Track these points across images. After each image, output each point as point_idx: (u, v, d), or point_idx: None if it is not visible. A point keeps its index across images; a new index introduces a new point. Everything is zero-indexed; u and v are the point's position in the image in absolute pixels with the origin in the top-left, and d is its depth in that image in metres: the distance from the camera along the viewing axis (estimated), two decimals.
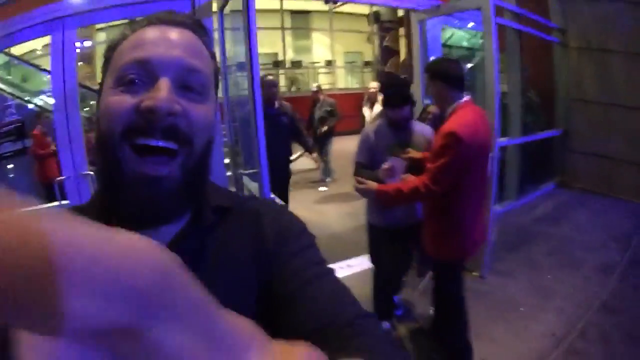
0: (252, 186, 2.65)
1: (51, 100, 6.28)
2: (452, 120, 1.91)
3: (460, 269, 2.14)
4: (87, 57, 8.79)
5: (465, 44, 4.27)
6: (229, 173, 3.21)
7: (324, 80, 12.72)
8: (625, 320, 2.82)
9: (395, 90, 2.24)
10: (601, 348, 2.56)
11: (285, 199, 3.66)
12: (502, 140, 4.10)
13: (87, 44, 8.83)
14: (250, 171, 2.41)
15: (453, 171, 1.86)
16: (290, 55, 13.32)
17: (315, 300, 0.49)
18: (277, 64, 12.52)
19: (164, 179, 0.47)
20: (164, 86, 0.47)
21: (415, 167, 2.12)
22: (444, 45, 4.02)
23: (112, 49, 0.53)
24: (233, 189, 2.71)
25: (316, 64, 13.05)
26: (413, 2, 3.76)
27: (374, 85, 5.73)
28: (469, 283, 3.05)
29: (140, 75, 0.48)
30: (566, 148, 6.12)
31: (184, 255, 0.34)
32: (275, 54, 12.86)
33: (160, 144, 0.46)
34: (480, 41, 3.94)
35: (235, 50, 3.02)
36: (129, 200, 0.48)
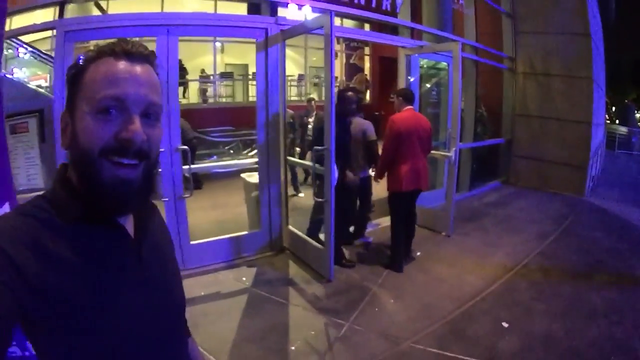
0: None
1: None
2: (395, 115, 3.65)
3: (399, 198, 3.65)
4: None
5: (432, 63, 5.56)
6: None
7: (294, 93, 13.19)
8: (559, 263, 3.93)
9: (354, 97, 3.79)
10: (540, 275, 3.66)
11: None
12: (460, 144, 5.20)
13: None
14: (320, 148, 3.31)
15: (394, 141, 3.54)
16: None
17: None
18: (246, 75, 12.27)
19: (133, 180, 0.64)
20: (136, 121, 0.62)
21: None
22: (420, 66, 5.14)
23: (78, 69, 0.64)
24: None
25: (289, 77, 13.36)
26: (404, 42, 4.94)
27: None
28: (441, 239, 4.48)
29: (115, 107, 0.61)
30: (510, 153, 7.34)
31: (145, 235, 0.73)
32: (247, 65, 12.75)
33: (132, 162, 0.63)
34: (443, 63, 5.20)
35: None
36: (108, 197, 0.63)
